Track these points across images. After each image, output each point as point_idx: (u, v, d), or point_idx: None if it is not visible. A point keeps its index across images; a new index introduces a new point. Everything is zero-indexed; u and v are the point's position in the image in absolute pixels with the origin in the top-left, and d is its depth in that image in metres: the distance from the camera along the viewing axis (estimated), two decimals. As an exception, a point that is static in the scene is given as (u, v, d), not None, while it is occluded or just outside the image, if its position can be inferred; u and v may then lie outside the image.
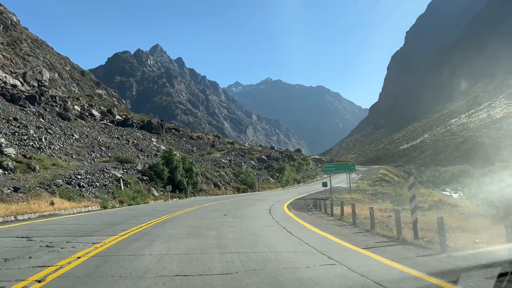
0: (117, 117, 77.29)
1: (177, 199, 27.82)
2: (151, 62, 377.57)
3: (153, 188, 26.35)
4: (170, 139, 62.83)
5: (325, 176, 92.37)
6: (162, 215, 14.96)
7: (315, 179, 77.36)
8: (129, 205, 21.52)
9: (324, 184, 28.86)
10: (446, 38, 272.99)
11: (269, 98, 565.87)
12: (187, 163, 30.07)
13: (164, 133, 74.28)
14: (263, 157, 64.05)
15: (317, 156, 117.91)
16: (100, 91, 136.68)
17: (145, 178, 27.06)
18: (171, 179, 28.15)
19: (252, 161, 57.38)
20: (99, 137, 42.92)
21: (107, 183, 23.02)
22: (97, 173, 23.74)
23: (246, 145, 77.33)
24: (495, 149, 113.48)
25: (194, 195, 30.72)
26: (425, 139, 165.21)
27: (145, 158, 39.79)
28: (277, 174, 57.27)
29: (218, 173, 39.94)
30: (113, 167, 26.71)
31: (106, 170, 24.85)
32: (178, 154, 31.93)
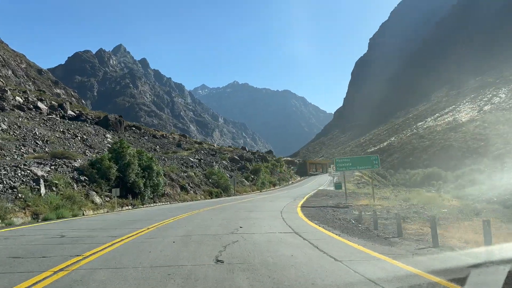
0: (69, 112, 67.34)
1: (130, 207, 19.84)
2: (114, 62, 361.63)
3: (93, 193, 18.22)
4: (129, 137, 54.04)
5: (300, 178, 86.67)
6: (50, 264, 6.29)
7: (290, 182, 70.86)
8: (45, 219, 13.54)
9: (338, 186, 22.05)
10: (408, 45, 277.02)
11: (236, 101, 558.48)
12: (145, 159, 21.98)
13: (123, 130, 65.30)
14: (236, 157, 56.67)
15: (289, 158, 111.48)
16: (58, 91, 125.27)
17: (83, 178, 18.76)
18: (122, 180, 20.20)
19: (224, 161, 49.84)
20: (36, 129, 33.89)
21: (16, 184, 14.87)
22: (3, 170, 15.53)
23: (215, 146, 69.46)
24: (463, 152, 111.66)
25: (154, 201, 22.74)
26: (392, 142, 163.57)
27: (94, 156, 31.30)
28: (252, 176, 50.10)
29: (186, 174, 32.08)
30: (38, 163, 18.49)
31: (22, 167, 16.62)
32: (132, 147, 23.73)
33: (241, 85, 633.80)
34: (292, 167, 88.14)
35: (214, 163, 44.18)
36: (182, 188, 27.72)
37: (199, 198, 29.07)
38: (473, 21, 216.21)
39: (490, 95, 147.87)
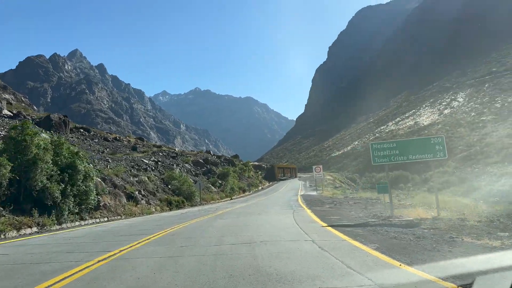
0: (5, 111, 57.03)
1: (35, 229, 11.82)
2: (69, 67, 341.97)
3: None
4: (72, 138, 44.95)
5: (269, 183, 79.88)
6: None
7: (260, 187, 64.00)
8: None
9: (383, 189, 15.22)
10: (366, 53, 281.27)
11: (198, 108, 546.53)
12: (66, 154, 14.02)
13: (68, 132, 55.80)
14: (200, 160, 49.01)
15: (256, 163, 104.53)
16: (7, 96, 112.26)
17: None
18: (24, 187, 12.31)
19: (187, 165, 42.12)
20: None
21: None
22: None
23: (176, 150, 61.22)
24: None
25: (82, 218, 14.64)
26: (356, 146, 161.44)
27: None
28: (220, 181, 42.68)
29: (137, 179, 24.04)
30: None
31: None
32: (45, 135, 15.40)
33: (203, 92, 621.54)
34: (260, 172, 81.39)
35: (175, 166, 36.41)
36: (130, 197, 19.88)
37: (154, 210, 21.20)
38: (429, 30, 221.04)
39: (449, 99, 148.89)
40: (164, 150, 48.46)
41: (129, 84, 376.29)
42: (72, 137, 47.14)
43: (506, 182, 42.08)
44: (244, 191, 49.12)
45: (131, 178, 23.34)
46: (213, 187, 38.46)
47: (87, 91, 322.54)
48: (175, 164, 37.65)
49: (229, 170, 46.89)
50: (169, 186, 27.78)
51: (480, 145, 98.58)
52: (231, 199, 38.02)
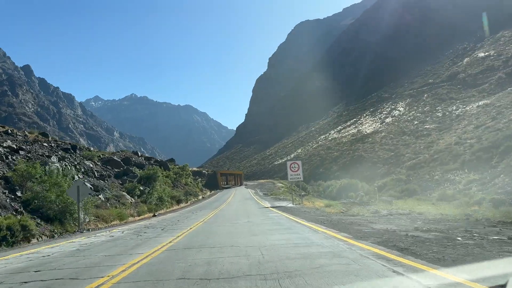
0: None
1: None
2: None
3: None
4: None
5: (211, 192, 65.23)
6: None
7: (200, 197, 49.61)
8: None
9: None
10: (304, 65, 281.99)
11: (134, 115, 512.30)
12: None
13: None
14: (117, 159, 34.00)
15: (195, 168, 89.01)
16: None
17: None
18: None
19: (89, 162, 27.15)
20: None
21: None
22: None
23: (93, 149, 44.77)
24: (374, 162, 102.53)
25: None
26: (299, 154, 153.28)
27: None
28: (141, 188, 28.15)
29: None
30: None
31: None
32: None
33: (139, 98, 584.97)
34: (200, 179, 66.74)
35: (55, 159, 21.27)
36: None
37: None
38: (364, 44, 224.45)
39: (389, 109, 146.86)
40: (56, 141, 32.47)
41: (58, 87, 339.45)
42: None
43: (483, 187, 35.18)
44: (178, 201, 34.92)
45: None
46: (128, 196, 24.00)
47: (9, 93, 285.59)
48: (55, 157, 22.42)
49: (156, 171, 32.34)
50: (22, 194, 12.94)
51: (429, 153, 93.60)
52: (154, 216, 23.44)
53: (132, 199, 25.22)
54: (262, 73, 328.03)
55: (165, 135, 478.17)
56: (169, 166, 49.14)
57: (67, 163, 23.08)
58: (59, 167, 19.97)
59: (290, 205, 27.28)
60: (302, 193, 37.76)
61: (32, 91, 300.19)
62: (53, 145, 28.65)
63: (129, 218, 21.18)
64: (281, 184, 64.19)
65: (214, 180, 79.11)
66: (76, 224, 16.04)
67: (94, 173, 26.67)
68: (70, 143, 34.13)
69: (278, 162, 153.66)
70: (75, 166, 24.68)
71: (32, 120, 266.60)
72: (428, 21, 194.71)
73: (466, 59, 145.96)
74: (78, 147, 32.93)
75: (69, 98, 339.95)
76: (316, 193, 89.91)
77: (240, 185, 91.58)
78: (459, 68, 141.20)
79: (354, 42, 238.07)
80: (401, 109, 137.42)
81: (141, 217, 22.79)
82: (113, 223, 19.11)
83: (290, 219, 15.74)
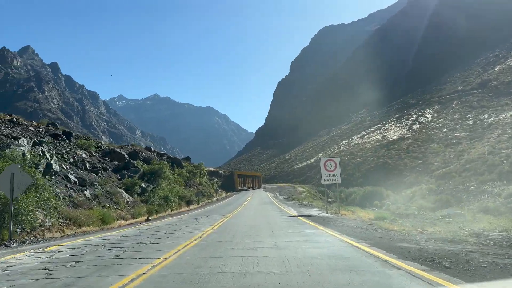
0: None
1: None
2: (18, 63, 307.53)
3: None
4: None
5: (227, 194, 60.70)
6: None
7: (215, 198, 45.55)
8: None
9: None
10: (327, 69, 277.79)
11: (156, 115, 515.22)
12: None
13: None
14: (121, 152, 30.11)
15: (212, 168, 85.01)
16: None
17: None
18: None
19: (82, 152, 23.40)
20: None
21: None
22: None
23: (103, 143, 41.20)
24: (400, 170, 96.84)
25: None
26: (320, 158, 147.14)
27: None
28: (144, 185, 24.14)
29: None
30: None
31: None
32: None
33: (162, 99, 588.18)
34: (216, 180, 62.71)
35: (27, 143, 17.30)
36: None
37: None
38: (390, 50, 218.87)
39: (416, 115, 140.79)
40: (48, 126, 28.65)
41: (83, 85, 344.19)
42: None
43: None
44: (188, 203, 30.76)
45: None
46: (125, 194, 19.99)
47: (36, 89, 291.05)
48: (30, 140, 18.43)
49: (162, 166, 28.13)
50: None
51: (460, 162, 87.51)
52: (148, 220, 18.97)
53: (130, 197, 21.25)
54: (284, 76, 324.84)
55: (186, 136, 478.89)
56: (183, 164, 45.21)
57: (47, 150, 19.18)
58: (26, 152, 16.02)
59: (324, 214, 22.14)
60: (329, 199, 32.94)
61: (57, 88, 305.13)
62: (41, 129, 24.98)
63: (119, 221, 16.84)
64: (302, 189, 59.65)
65: (231, 181, 74.95)
66: (22, 229, 11.49)
67: (85, 165, 22.68)
68: (65, 130, 30.16)
69: (298, 166, 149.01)
70: (62, 154, 20.92)
71: (57, 116, 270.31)
72: (457, 27, 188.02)
73: (498, 67, 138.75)
74: (74, 134, 28.95)
75: (94, 96, 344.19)
76: (338, 199, 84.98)
77: (258, 188, 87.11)
78: (490, 76, 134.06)
79: (379, 48, 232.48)
80: (429, 116, 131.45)
81: (135, 220, 18.43)
82: (87, 229, 14.54)
83: (346, 243, 9.64)
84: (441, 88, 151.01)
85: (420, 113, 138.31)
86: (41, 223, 12.10)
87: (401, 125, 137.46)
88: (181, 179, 36.52)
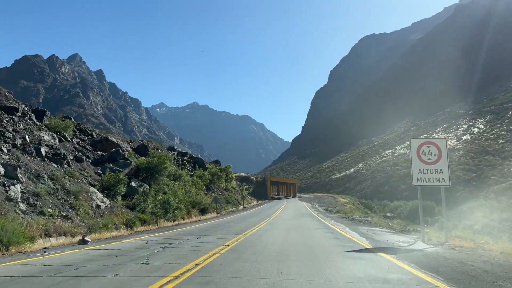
0: None
1: None
2: (66, 70, 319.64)
3: None
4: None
5: (257, 202, 53.93)
6: None
7: (241, 207, 39.45)
8: None
9: None
10: (367, 78, 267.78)
11: (194, 122, 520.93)
12: None
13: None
14: (113, 140, 24.24)
15: (243, 174, 78.75)
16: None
17: None
18: None
19: (49, 134, 17.20)
20: None
21: None
22: None
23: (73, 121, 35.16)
24: (452, 183, 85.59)
25: None
26: (360, 169, 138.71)
27: None
28: (134, 184, 18.28)
29: None
30: None
31: None
32: None
33: (201, 107, 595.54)
34: (246, 186, 56.50)
35: None
36: None
37: None
38: (435, 59, 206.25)
39: (466, 125, 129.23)
40: (6, 95, 22.83)
41: (126, 92, 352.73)
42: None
43: None
44: (203, 210, 24.65)
45: None
46: (99, 195, 13.69)
47: (81, 95, 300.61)
48: None
49: (163, 160, 21.46)
50: None
51: (521, 176, 77.27)
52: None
53: (107, 200, 15.04)
54: (322, 85, 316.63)
55: (222, 144, 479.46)
56: (206, 165, 39.39)
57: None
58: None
59: (420, 245, 11.58)
60: (387, 214, 25.60)
61: (102, 94, 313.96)
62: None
63: (41, 239, 10.65)
64: (344, 200, 52.37)
65: (263, 188, 68.42)
66: None
67: (39, 149, 17.47)
68: (37, 108, 23.35)
69: (336, 176, 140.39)
70: (2, 133, 14.80)
71: (99, 121, 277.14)
72: (506, 34, 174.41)
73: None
74: (46, 113, 22.29)
75: (136, 103, 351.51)
76: (382, 213, 76.14)
77: (293, 197, 79.86)
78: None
79: (423, 57, 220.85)
80: (481, 126, 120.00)
81: (96, 236, 12.64)
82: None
83: None
84: (493, 97, 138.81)
85: (471, 123, 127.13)
86: None
87: (450, 135, 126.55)
88: (201, 183, 30.45)
